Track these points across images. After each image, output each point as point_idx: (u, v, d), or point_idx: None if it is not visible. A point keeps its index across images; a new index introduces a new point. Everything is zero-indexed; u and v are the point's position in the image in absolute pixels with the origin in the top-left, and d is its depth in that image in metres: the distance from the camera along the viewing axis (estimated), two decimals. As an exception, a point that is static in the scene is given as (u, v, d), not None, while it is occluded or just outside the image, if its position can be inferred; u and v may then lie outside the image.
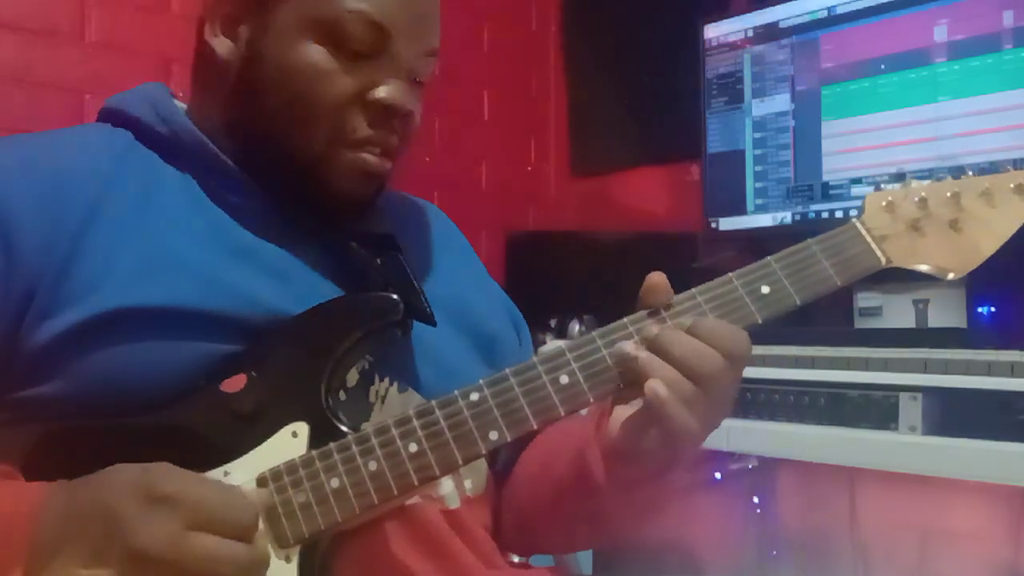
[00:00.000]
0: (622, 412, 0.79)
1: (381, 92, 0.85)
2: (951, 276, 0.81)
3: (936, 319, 1.58)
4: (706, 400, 0.74)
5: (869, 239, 0.81)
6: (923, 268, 0.81)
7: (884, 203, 0.82)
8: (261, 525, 0.71)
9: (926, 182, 0.84)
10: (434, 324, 0.86)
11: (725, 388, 0.75)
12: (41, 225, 0.80)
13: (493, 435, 0.76)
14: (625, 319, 0.79)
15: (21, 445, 0.78)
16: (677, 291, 0.80)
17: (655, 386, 0.73)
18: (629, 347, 0.76)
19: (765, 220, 1.90)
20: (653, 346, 0.75)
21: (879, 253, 0.81)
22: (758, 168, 1.91)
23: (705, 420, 0.75)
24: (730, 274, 0.80)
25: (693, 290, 0.79)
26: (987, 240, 0.81)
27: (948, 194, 0.81)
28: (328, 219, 0.89)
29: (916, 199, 0.82)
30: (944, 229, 0.81)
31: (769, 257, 0.80)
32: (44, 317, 0.78)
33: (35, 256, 0.79)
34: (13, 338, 0.79)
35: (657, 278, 0.79)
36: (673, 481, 0.84)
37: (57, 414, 0.78)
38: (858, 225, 0.82)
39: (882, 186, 0.94)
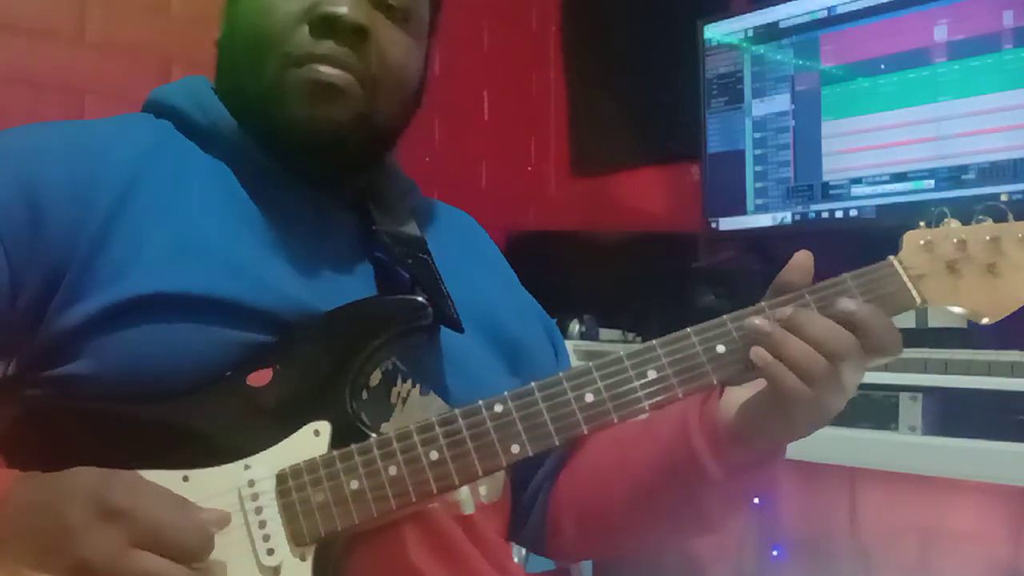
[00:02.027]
0: (739, 394, 0.80)
1: (324, 6, 0.84)
2: (985, 320, 0.81)
3: (936, 319, 1.58)
4: (833, 382, 0.75)
5: (905, 278, 0.80)
6: (957, 310, 0.81)
7: (922, 242, 0.81)
8: (228, 549, 0.72)
9: (955, 221, 0.82)
10: (461, 330, 0.86)
11: (852, 373, 0.76)
12: (73, 207, 0.80)
13: (515, 448, 0.76)
14: (689, 329, 0.78)
15: (45, 423, 0.79)
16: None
17: (759, 352, 0.75)
18: (761, 323, 0.77)
19: (765, 220, 1.89)
20: (787, 324, 0.76)
21: (915, 292, 0.80)
22: (758, 168, 1.91)
23: (825, 403, 0.76)
24: (763, 303, 0.80)
25: (725, 318, 0.79)
26: None
27: (988, 237, 0.80)
28: (320, 168, 0.88)
29: (955, 240, 0.80)
30: (982, 272, 0.80)
31: (804, 289, 0.79)
32: (73, 300, 0.78)
33: (63, 236, 0.79)
34: (31, 307, 0.79)
35: (803, 257, 0.80)
36: (773, 470, 0.85)
37: (82, 393, 0.78)
38: (895, 263, 0.81)
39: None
